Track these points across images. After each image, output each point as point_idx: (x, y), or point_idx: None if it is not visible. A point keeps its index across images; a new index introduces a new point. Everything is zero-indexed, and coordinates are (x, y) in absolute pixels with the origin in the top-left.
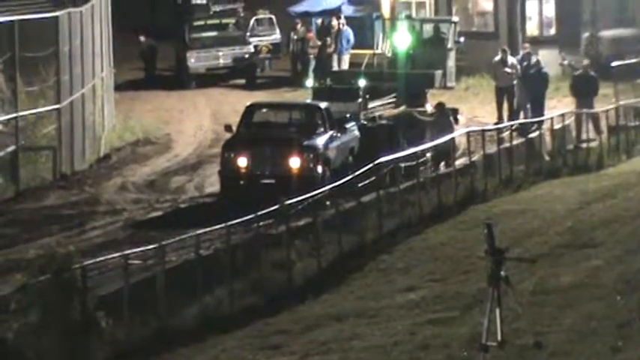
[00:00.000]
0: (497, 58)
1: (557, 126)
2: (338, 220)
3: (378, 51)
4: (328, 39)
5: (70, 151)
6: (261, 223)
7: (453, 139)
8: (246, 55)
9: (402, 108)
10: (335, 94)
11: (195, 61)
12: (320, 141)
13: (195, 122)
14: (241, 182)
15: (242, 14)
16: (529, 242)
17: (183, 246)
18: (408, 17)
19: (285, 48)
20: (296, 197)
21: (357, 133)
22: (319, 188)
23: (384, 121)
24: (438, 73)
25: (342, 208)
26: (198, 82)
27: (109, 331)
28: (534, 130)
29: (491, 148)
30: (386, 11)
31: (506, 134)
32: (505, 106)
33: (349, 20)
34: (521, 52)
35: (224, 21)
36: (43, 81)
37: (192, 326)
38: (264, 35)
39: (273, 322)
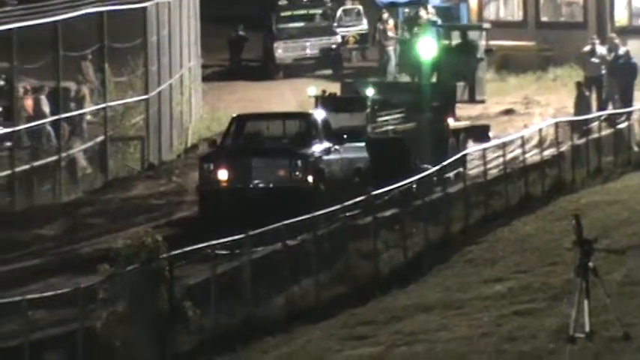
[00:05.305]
0: (587, 48)
1: None
2: (425, 211)
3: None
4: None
5: (157, 142)
6: (347, 214)
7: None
8: (334, 46)
9: (413, 124)
10: (341, 104)
11: (283, 51)
12: (310, 150)
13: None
14: (222, 198)
15: (329, 4)
16: (617, 233)
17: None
18: (434, 23)
19: (372, 39)
20: (286, 212)
21: (365, 154)
22: (312, 202)
23: (394, 136)
24: (460, 85)
25: (428, 199)
26: (285, 72)
27: (196, 320)
28: (623, 121)
29: (580, 139)
30: (472, 1)
31: (594, 125)
32: (594, 96)
33: (437, 10)
34: (609, 43)
35: (311, 11)
36: (131, 71)
37: (279, 316)
38: (351, 26)
39: (359, 313)
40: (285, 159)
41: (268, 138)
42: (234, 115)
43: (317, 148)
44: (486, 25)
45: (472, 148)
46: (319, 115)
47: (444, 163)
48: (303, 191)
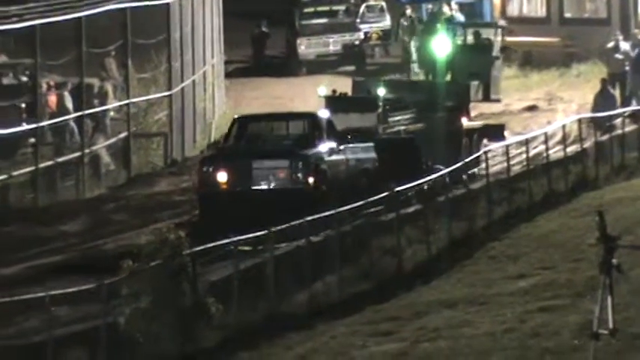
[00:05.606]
0: (611, 44)
1: None
2: (448, 207)
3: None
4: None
5: (180, 138)
6: (370, 210)
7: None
8: (356, 42)
9: (425, 124)
10: (351, 104)
11: (306, 47)
12: (312, 151)
13: (304, 109)
14: (221, 201)
15: (352, 1)
16: None
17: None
18: (449, 20)
19: (395, 35)
20: (286, 215)
21: (373, 154)
22: (314, 204)
23: (405, 136)
24: (474, 84)
25: (451, 195)
26: (308, 68)
27: (219, 316)
28: None
29: (603, 135)
30: None
31: (618, 121)
32: (617, 92)
33: (460, 6)
34: (633, 39)
35: (334, 8)
36: (154, 68)
37: (302, 312)
38: (374, 22)
39: (382, 309)
40: (286, 160)
41: (269, 139)
42: (236, 116)
43: (319, 148)
44: (502, 23)
45: (494, 145)
46: (323, 114)
47: (465, 161)
48: (304, 193)
